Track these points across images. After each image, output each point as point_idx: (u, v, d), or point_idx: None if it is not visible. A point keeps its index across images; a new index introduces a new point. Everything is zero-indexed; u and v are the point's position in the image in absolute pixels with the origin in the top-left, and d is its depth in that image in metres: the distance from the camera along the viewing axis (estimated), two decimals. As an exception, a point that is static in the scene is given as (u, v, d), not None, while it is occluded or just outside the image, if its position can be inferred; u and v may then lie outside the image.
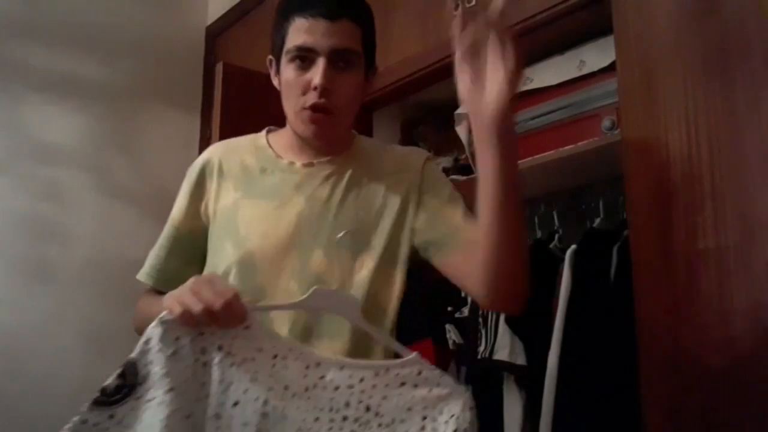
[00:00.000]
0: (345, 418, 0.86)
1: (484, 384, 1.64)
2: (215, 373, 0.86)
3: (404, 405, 0.88)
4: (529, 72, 1.77)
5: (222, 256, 1.08)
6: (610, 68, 1.51)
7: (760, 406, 1.09)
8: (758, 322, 1.11)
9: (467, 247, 1.03)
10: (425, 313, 1.86)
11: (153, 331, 0.87)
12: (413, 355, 0.91)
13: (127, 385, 0.85)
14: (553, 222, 1.80)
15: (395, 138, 2.28)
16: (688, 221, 1.22)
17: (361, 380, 0.88)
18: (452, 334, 1.81)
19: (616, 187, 1.45)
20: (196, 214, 1.14)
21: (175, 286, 0.95)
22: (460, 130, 1.95)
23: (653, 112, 1.29)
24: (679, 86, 1.26)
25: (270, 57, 1.14)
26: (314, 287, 0.94)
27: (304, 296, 0.92)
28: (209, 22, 2.95)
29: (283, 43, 1.07)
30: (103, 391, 0.84)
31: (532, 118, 1.74)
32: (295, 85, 1.06)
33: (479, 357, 1.62)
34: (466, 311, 1.81)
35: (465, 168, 1.95)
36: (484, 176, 0.92)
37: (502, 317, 1.61)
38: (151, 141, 2.69)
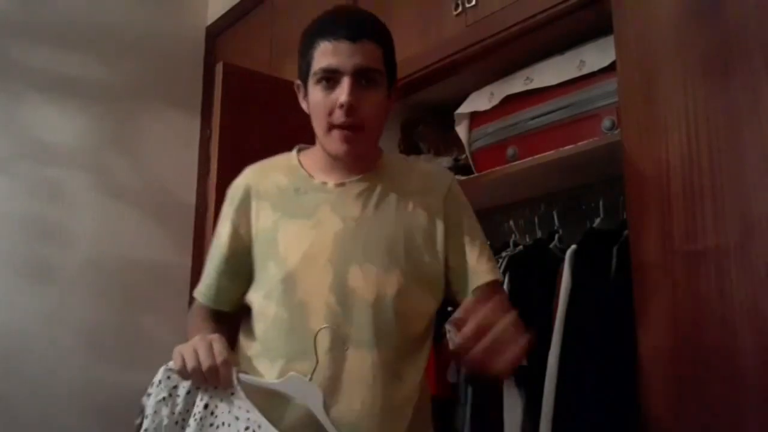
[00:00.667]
0: None
1: (484, 384, 1.64)
2: (196, 427, 0.99)
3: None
4: (529, 72, 1.77)
5: (266, 275, 1.15)
6: (610, 68, 1.51)
7: (760, 406, 1.09)
8: (758, 322, 1.11)
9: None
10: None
11: (158, 375, 1.02)
12: None
13: (139, 424, 1.03)
14: (553, 222, 1.80)
15: (395, 138, 2.28)
16: (688, 221, 1.22)
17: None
18: (452, 335, 1.81)
19: (616, 187, 1.45)
20: (238, 236, 1.20)
21: (225, 303, 1.21)
22: (460, 130, 1.95)
23: (653, 112, 1.29)
24: (679, 86, 1.26)
25: (297, 82, 1.20)
26: (290, 373, 1.03)
27: (282, 379, 1.04)
28: (209, 22, 2.96)
29: (309, 67, 1.13)
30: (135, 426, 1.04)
31: (532, 118, 1.74)
32: (322, 106, 1.11)
33: (479, 357, 1.62)
34: (466, 311, 1.81)
35: (465, 168, 1.95)
36: None
37: (502, 317, 1.61)
38: (151, 141, 2.69)
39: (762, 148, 1.13)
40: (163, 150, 2.72)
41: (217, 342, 1.02)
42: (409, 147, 2.23)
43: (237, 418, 0.98)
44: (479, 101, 1.88)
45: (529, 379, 1.55)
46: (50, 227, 2.42)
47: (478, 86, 1.89)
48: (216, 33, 2.94)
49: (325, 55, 1.10)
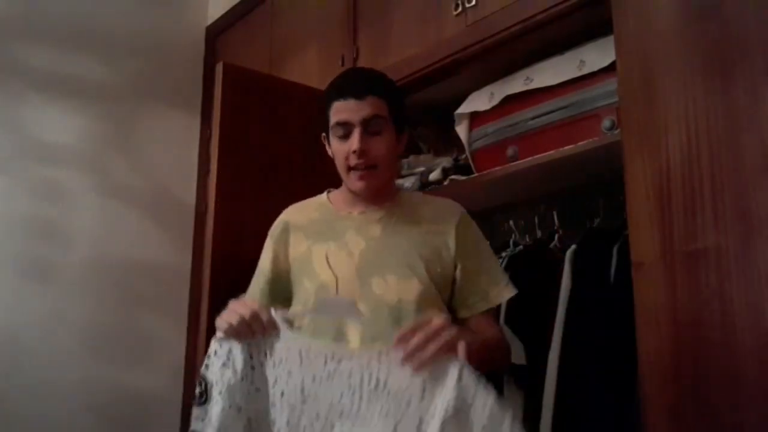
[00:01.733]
0: (361, 397, 1.06)
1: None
2: (263, 373, 1.11)
3: (405, 377, 1.05)
4: (529, 72, 1.77)
5: (302, 290, 1.35)
6: (610, 68, 1.51)
7: (760, 406, 1.09)
8: (758, 322, 1.11)
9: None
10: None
11: (211, 348, 1.14)
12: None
13: (204, 391, 1.13)
14: (553, 222, 1.80)
15: (395, 138, 2.28)
16: (688, 221, 1.22)
17: (369, 363, 1.07)
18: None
19: (616, 187, 1.45)
20: (278, 261, 1.40)
21: None
22: (460, 130, 1.95)
23: (653, 112, 1.29)
24: (679, 86, 1.26)
25: (323, 134, 1.40)
26: (317, 299, 1.25)
27: (313, 307, 1.25)
28: (209, 22, 2.96)
29: (328, 122, 1.35)
30: (194, 397, 1.14)
31: (532, 118, 1.74)
32: (340, 153, 1.34)
33: (479, 357, 1.62)
34: (466, 311, 1.81)
35: (465, 168, 1.95)
36: None
37: (502, 317, 1.61)
38: (151, 141, 2.70)
39: (762, 148, 1.13)
40: (163, 150, 2.72)
41: (248, 300, 1.20)
42: (409, 147, 2.23)
43: (289, 349, 1.11)
44: (479, 101, 1.88)
45: (529, 379, 1.55)
46: (50, 227, 2.42)
47: (478, 86, 1.90)
48: (216, 33, 2.94)
49: (338, 112, 1.31)
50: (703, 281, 1.18)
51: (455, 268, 1.34)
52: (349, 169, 1.33)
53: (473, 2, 1.76)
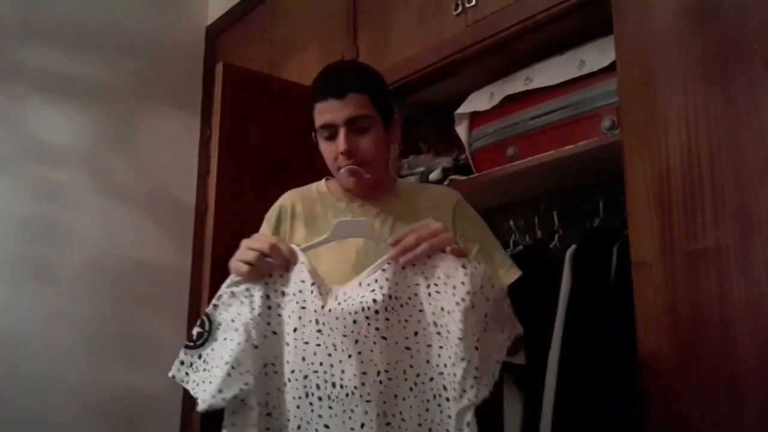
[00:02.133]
0: (377, 312, 1.04)
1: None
2: (279, 314, 1.08)
3: (413, 280, 1.06)
4: (529, 72, 1.77)
5: None
6: (610, 68, 1.51)
7: (760, 406, 1.09)
8: (758, 322, 1.11)
9: None
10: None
11: (223, 290, 1.09)
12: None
13: (206, 332, 1.08)
14: (553, 222, 1.80)
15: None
16: (688, 221, 1.22)
17: (376, 281, 1.06)
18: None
19: (616, 187, 1.45)
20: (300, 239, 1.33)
21: None
22: (460, 130, 1.95)
23: (653, 112, 1.29)
24: (679, 86, 1.26)
25: (313, 133, 1.37)
26: (336, 220, 1.19)
27: (332, 231, 1.17)
28: (209, 22, 2.96)
29: (314, 124, 1.33)
30: (189, 338, 1.09)
31: (532, 118, 1.74)
32: (329, 153, 1.32)
33: (479, 357, 1.62)
34: (466, 311, 1.81)
35: (465, 168, 1.95)
36: None
37: (502, 317, 1.61)
38: (151, 141, 2.69)
39: (762, 148, 1.14)
40: (163, 150, 2.72)
41: (259, 234, 1.17)
42: (409, 147, 2.23)
43: (303, 281, 1.08)
44: (479, 101, 1.88)
45: (529, 379, 1.55)
46: (50, 227, 2.42)
47: (478, 86, 1.89)
48: (216, 33, 2.94)
49: (321, 113, 1.29)
50: (703, 281, 1.18)
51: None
52: (338, 169, 1.31)
53: (473, 2, 1.76)
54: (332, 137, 1.30)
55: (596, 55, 1.61)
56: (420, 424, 1.03)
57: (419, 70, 1.91)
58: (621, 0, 1.38)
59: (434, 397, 1.04)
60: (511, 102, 1.80)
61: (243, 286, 1.08)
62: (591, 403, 1.37)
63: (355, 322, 1.03)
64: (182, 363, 1.09)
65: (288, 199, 1.42)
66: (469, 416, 1.02)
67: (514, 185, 1.84)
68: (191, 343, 1.08)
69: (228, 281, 1.09)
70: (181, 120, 2.79)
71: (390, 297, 1.04)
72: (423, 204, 1.38)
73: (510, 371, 1.59)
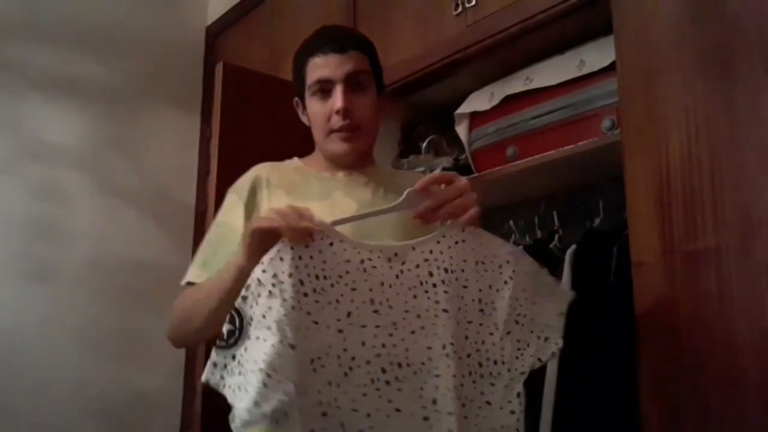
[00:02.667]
0: (434, 285, 1.01)
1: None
2: (318, 301, 0.96)
3: (462, 255, 1.04)
4: (529, 72, 1.77)
5: None
6: (610, 68, 1.51)
7: (760, 406, 1.09)
8: (758, 322, 1.11)
9: None
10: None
11: (252, 277, 0.95)
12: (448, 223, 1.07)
13: (237, 329, 0.95)
14: (553, 222, 1.80)
15: (395, 138, 2.28)
16: (688, 221, 1.22)
17: (431, 252, 1.02)
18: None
19: (616, 187, 1.45)
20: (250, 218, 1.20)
21: None
22: (460, 130, 1.95)
23: (653, 112, 1.29)
24: (679, 86, 1.26)
25: (295, 99, 1.31)
26: (408, 189, 1.05)
27: (403, 199, 1.06)
28: (209, 22, 2.96)
29: (304, 82, 1.24)
30: (220, 336, 0.96)
31: (532, 118, 1.74)
32: (321, 114, 1.22)
33: (479, 357, 1.62)
34: (466, 311, 1.81)
35: (465, 168, 1.95)
36: None
37: (502, 317, 1.61)
38: (151, 141, 2.69)
39: (762, 148, 1.13)
40: (163, 150, 2.72)
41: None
42: (409, 147, 2.23)
43: (348, 261, 0.99)
44: (479, 101, 1.88)
45: (529, 379, 1.55)
46: (50, 227, 2.42)
47: (478, 86, 1.89)
48: (216, 33, 2.94)
49: (317, 68, 1.21)
50: (703, 281, 1.18)
51: None
52: (331, 131, 1.22)
53: (473, 2, 1.76)
54: (326, 95, 1.21)
55: (596, 55, 1.61)
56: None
57: (419, 70, 1.91)
58: (621, 0, 1.38)
59: (469, 373, 1.02)
60: (511, 102, 1.80)
61: (270, 272, 0.94)
62: (591, 403, 1.37)
63: (415, 297, 1.00)
64: (215, 365, 0.94)
65: (260, 170, 1.29)
66: (519, 387, 1.05)
67: (514, 185, 1.84)
68: (222, 342, 0.95)
69: (258, 268, 0.95)
70: (181, 120, 2.79)
71: (446, 270, 1.02)
72: (403, 184, 1.22)
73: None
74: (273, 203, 1.20)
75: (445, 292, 1.01)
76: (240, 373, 0.93)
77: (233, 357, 0.94)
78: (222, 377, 0.94)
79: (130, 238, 2.59)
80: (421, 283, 1.00)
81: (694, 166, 1.22)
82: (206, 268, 1.21)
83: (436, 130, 2.17)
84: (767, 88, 1.14)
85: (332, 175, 1.27)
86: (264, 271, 0.95)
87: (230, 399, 0.93)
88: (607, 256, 1.46)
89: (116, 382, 2.43)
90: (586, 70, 1.63)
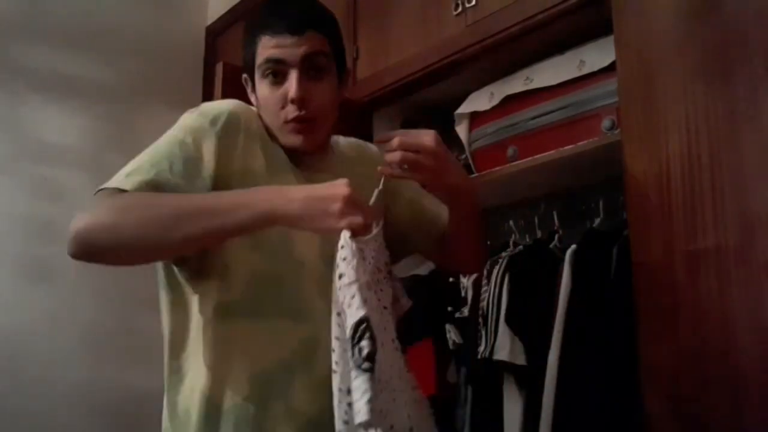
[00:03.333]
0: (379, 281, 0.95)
1: (484, 384, 1.64)
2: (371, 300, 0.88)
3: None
4: (529, 72, 1.77)
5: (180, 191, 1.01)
6: (610, 68, 1.51)
7: (760, 406, 1.09)
8: (758, 322, 1.11)
9: (441, 238, 1.23)
10: (425, 313, 1.86)
11: (360, 282, 0.84)
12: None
13: (373, 342, 0.80)
14: (553, 222, 1.80)
15: (395, 138, 2.28)
16: (688, 221, 1.22)
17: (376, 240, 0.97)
18: (452, 334, 1.81)
19: (616, 187, 1.45)
20: (220, 163, 1.03)
21: None
22: (460, 130, 1.95)
23: (653, 112, 1.29)
24: (679, 86, 1.26)
25: (244, 76, 1.17)
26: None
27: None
28: (209, 22, 2.95)
29: (253, 59, 1.10)
30: (370, 357, 0.78)
31: (532, 118, 1.74)
32: (272, 101, 1.08)
33: (479, 357, 1.62)
34: (466, 311, 1.81)
35: (465, 168, 1.95)
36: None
37: (502, 317, 1.61)
38: (152, 141, 2.66)
39: (762, 148, 1.13)
40: (163, 150, 2.72)
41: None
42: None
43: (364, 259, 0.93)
44: (479, 101, 1.88)
45: (529, 379, 1.55)
46: (50, 227, 2.41)
47: (478, 86, 1.89)
48: (216, 33, 2.93)
49: (269, 48, 1.06)
50: (703, 281, 1.18)
51: (401, 213, 1.19)
52: (285, 122, 1.07)
53: (473, 2, 1.76)
54: (279, 80, 1.07)
55: (596, 55, 1.61)
56: None
57: (419, 70, 1.91)
58: (621, 0, 1.38)
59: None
60: (511, 102, 1.80)
61: (360, 273, 0.85)
62: (591, 404, 1.37)
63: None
64: (370, 400, 0.76)
65: (239, 109, 1.10)
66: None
67: (514, 185, 1.84)
68: (368, 365, 0.77)
69: (357, 272, 0.84)
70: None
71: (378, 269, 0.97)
72: (364, 169, 1.17)
73: (510, 371, 1.59)
74: (249, 158, 1.06)
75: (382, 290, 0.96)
76: (394, 400, 0.82)
77: (378, 380, 0.78)
78: (383, 415, 0.78)
79: (130, 238, 2.58)
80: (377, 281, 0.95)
81: (694, 166, 1.22)
82: (155, 183, 1.01)
83: (436, 130, 2.17)
84: (767, 88, 1.14)
85: (292, 169, 1.11)
86: (363, 272, 0.86)
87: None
88: (607, 256, 1.46)
89: (116, 382, 2.43)
90: (586, 70, 1.63)
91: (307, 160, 1.12)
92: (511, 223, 1.93)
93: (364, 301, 0.82)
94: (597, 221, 1.69)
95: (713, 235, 1.18)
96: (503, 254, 1.78)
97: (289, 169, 1.11)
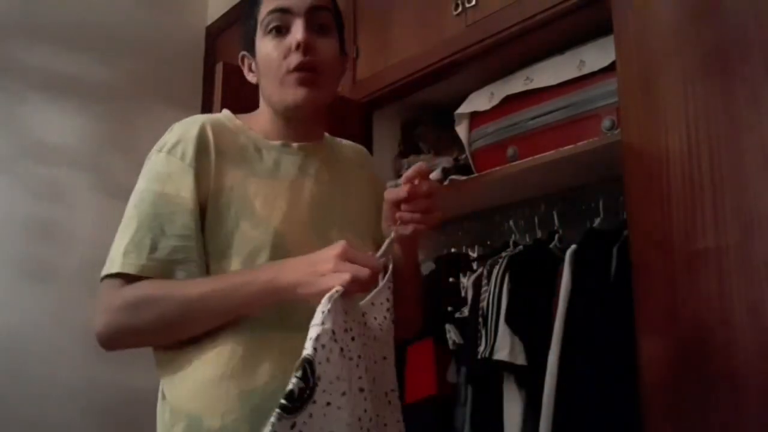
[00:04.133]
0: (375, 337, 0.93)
1: (484, 384, 1.64)
2: (351, 355, 0.84)
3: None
4: (529, 72, 1.77)
5: (242, 238, 0.99)
6: (610, 68, 1.51)
7: (760, 406, 1.09)
8: (758, 322, 1.11)
9: None
10: (425, 313, 1.85)
11: (325, 328, 0.79)
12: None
13: (308, 388, 0.76)
14: (553, 222, 1.80)
15: (395, 138, 2.28)
16: (688, 221, 1.22)
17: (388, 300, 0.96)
18: (452, 334, 1.81)
19: (616, 187, 1.45)
20: (200, 192, 1.00)
21: (161, 275, 0.98)
22: (460, 130, 1.95)
23: (653, 112, 1.29)
24: (679, 86, 1.26)
25: (241, 53, 1.14)
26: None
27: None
28: (209, 22, 2.96)
29: (255, 21, 1.07)
30: (290, 396, 0.75)
31: (532, 118, 1.74)
32: (275, 54, 1.03)
33: (479, 357, 1.62)
34: (466, 311, 1.81)
35: (465, 168, 1.95)
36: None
37: (502, 317, 1.61)
38: (151, 141, 2.66)
39: (762, 147, 1.14)
40: (163, 150, 2.72)
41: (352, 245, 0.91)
42: (409, 147, 2.23)
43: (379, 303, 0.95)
44: (479, 101, 1.88)
45: (529, 379, 1.55)
46: (50, 227, 2.41)
47: (478, 86, 1.89)
48: (216, 33, 2.94)
49: (274, 1, 1.04)
50: (703, 281, 1.18)
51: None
52: (287, 72, 1.03)
53: (473, 2, 1.76)
54: (283, 34, 1.03)
55: (596, 55, 1.61)
56: None
57: (419, 70, 1.91)
58: (621, 0, 1.38)
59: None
60: (511, 102, 1.80)
61: (336, 326, 0.80)
62: (591, 404, 1.37)
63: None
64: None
65: (201, 126, 1.04)
66: None
67: (514, 185, 1.84)
68: (289, 404, 0.74)
69: (322, 315, 0.79)
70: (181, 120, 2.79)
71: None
72: (354, 160, 1.20)
73: (510, 371, 1.59)
74: (224, 176, 1.01)
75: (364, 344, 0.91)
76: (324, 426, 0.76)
77: (293, 425, 0.74)
78: None
79: (130, 238, 2.58)
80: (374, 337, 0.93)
81: (694, 166, 1.22)
82: (153, 254, 0.99)
83: (436, 130, 2.17)
84: (767, 88, 1.14)
85: (284, 145, 1.07)
86: (333, 323, 0.79)
87: None
88: (607, 256, 1.46)
89: (116, 382, 2.43)
90: (586, 70, 1.63)
91: (302, 129, 1.09)
92: (511, 223, 1.93)
93: (321, 346, 0.78)
94: (597, 221, 1.69)
95: (713, 234, 1.18)
96: (503, 254, 1.78)
97: (273, 149, 1.07)
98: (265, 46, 1.05)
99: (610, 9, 1.39)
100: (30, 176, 2.40)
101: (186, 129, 1.07)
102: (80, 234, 2.47)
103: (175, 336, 0.99)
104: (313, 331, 0.78)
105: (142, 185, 1.09)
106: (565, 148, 1.60)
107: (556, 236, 1.75)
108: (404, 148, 2.25)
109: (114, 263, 1.04)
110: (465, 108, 1.92)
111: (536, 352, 1.53)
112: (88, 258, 2.47)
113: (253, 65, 1.11)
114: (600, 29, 1.56)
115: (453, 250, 2.05)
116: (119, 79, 2.65)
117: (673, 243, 1.23)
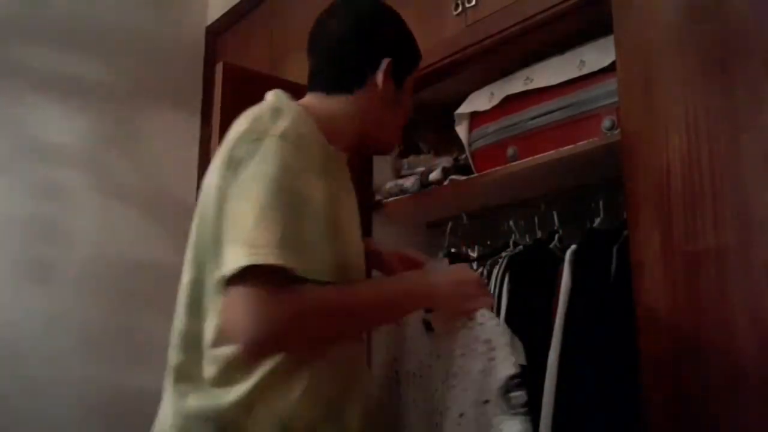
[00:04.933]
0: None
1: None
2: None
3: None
4: (529, 72, 1.77)
5: (319, 255, 0.94)
6: (610, 68, 1.51)
7: (760, 406, 1.09)
8: (758, 322, 1.11)
9: None
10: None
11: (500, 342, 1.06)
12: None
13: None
14: (553, 222, 1.80)
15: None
16: (688, 221, 1.22)
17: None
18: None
19: (616, 187, 1.45)
20: (327, 193, 0.97)
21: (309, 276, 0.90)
22: (460, 130, 1.95)
23: (653, 112, 1.29)
24: (679, 86, 1.26)
25: (388, 59, 1.19)
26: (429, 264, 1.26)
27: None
28: (209, 22, 2.95)
29: (414, 59, 1.29)
30: (522, 404, 1.03)
31: (532, 118, 1.74)
32: (402, 114, 1.25)
33: (479, 357, 1.62)
34: (466, 311, 1.81)
35: (465, 168, 1.95)
36: None
37: (502, 317, 1.61)
38: (151, 141, 2.69)
39: (762, 148, 1.13)
40: (163, 150, 2.72)
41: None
42: (409, 147, 2.23)
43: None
44: (479, 101, 1.88)
45: (529, 379, 1.55)
46: (50, 227, 2.41)
47: (478, 86, 1.89)
48: (216, 33, 2.93)
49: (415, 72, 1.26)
50: (703, 281, 1.18)
51: None
52: (399, 127, 1.26)
53: (473, 2, 1.76)
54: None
55: (596, 55, 1.61)
56: None
57: (419, 70, 1.91)
58: (621, 0, 1.38)
59: None
60: (511, 102, 1.80)
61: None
62: (591, 404, 1.37)
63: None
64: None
65: (308, 124, 1.02)
66: None
67: (514, 185, 1.84)
68: (524, 409, 1.02)
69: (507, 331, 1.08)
70: (181, 120, 2.79)
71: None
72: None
73: (510, 371, 1.58)
74: (327, 185, 0.98)
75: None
76: None
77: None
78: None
79: (130, 238, 2.58)
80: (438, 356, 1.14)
81: (694, 166, 1.22)
82: (300, 251, 0.90)
83: (436, 130, 2.17)
84: (767, 88, 1.14)
85: (335, 151, 1.08)
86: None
87: None
88: (607, 256, 1.46)
89: (116, 381, 2.43)
90: (586, 70, 1.63)
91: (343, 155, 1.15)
92: (511, 223, 1.93)
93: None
94: (597, 221, 1.69)
95: (713, 235, 1.18)
96: (503, 254, 1.78)
97: (336, 158, 1.10)
98: (407, 100, 1.26)
99: (610, 9, 1.39)
100: (30, 176, 2.40)
101: (307, 128, 1.02)
102: (80, 234, 2.47)
103: (333, 341, 1.02)
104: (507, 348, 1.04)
105: (275, 172, 0.92)
106: (565, 148, 1.60)
107: (556, 236, 1.75)
108: (404, 148, 2.25)
109: (266, 254, 0.86)
110: (465, 108, 1.92)
111: (536, 352, 1.53)
112: (88, 258, 2.47)
113: (389, 78, 1.18)
114: (600, 29, 1.55)
115: (453, 250, 2.05)
116: (119, 79, 2.65)
117: (673, 243, 1.23)
